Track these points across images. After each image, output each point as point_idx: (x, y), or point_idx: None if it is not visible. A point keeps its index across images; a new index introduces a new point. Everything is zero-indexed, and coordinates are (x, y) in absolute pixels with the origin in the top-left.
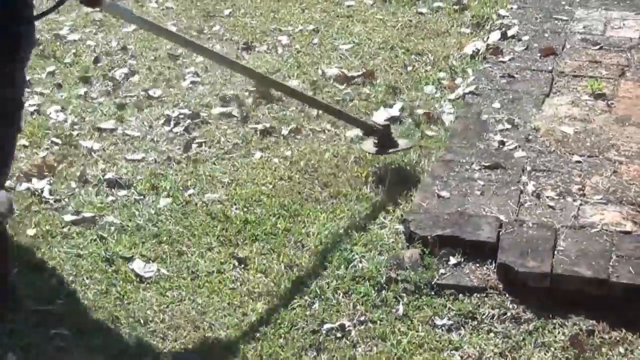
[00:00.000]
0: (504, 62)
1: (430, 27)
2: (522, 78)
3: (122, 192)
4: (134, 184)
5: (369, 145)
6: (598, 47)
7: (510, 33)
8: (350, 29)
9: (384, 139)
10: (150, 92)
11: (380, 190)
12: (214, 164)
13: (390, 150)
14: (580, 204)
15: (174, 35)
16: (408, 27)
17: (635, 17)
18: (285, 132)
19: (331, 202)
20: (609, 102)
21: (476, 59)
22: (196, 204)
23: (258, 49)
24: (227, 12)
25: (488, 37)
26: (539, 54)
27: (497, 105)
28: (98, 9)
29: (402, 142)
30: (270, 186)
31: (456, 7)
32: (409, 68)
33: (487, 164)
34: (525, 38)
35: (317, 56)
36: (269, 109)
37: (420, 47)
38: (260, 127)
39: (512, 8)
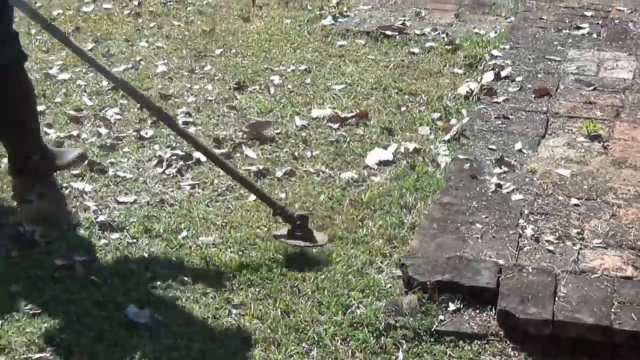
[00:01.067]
0: (498, 102)
1: (422, 67)
2: (517, 119)
3: (115, 235)
4: (127, 227)
5: (283, 230)
6: (592, 88)
7: (503, 74)
8: (343, 69)
9: (300, 228)
10: (142, 133)
11: (377, 234)
12: (208, 205)
13: (300, 244)
14: (580, 248)
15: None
16: (400, 67)
17: (628, 58)
18: (279, 174)
19: (327, 245)
20: (605, 144)
21: (470, 99)
22: (190, 248)
23: (250, 88)
24: (218, 51)
25: (481, 78)
26: (533, 95)
27: (492, 146)
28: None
29: (319, 237)
30: (265, 229)
31: (448, 47)
32: (403, 109)
33: (485, 208)
34: (519, 79)
35: (309, 96)
36: (262, 150)
37: (414, 87)
38: (253, 168)
39: (504, 48)
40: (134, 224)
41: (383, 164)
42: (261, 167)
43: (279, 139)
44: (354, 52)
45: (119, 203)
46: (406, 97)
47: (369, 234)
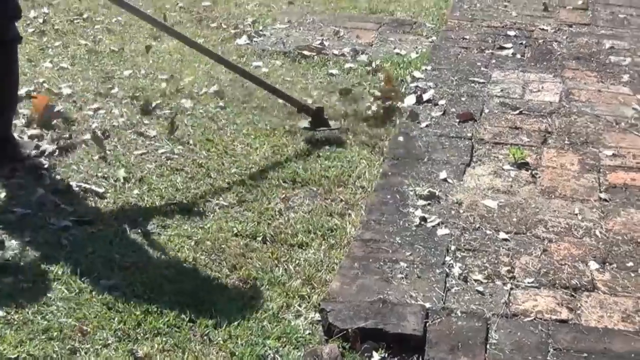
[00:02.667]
0: (421, 128)
1: (341, 90)
2: (440, 146)
3: (8, 279)
4: (21, 270)
5: (304, 123)
6: (517, 112)
7: (426, 97)
8: (258, 92)
9: (317, 118)
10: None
11: (294, 273)
12: (111, 244)
13: (321, 128)
14: (511, 288)
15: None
16: (319, 89)
17: (554, 80)
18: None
19: (241, 287)
20: (533, 172)
21: (393, 124)
22: (91, 292)
23: (159, 112)
24: (127, 73)
25: (403, 101)
26: (457, 120)
27: (415, 175)
28: None
29: (332, 123)
30: (174, 270)
31: (368, 69)
32: (323, 135)
33: (409, 244)
34: (442, 102)
35: (222, 121)
36: (172, 182)
37: (332, 111)
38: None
39: (426, 70)
40: (29, 266)
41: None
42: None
43: (190, 167)
44: (270, 74)
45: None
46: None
47: (286, 274)
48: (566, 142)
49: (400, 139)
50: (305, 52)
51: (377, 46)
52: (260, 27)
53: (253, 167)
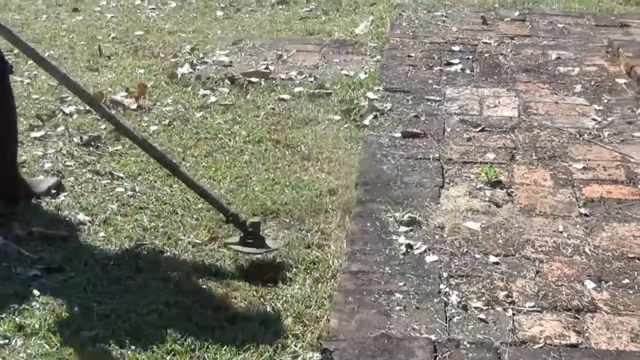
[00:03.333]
0: (386, 150)
1: (296, 115)
2: (410, 168)
3: None
4: None
5: (234, 238)
6: (479, 129)
7: (384, 119)
8: (210, 122)
9: (251, 236)
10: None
11: (283, 311)
12: (85, 291)
13: (252, 251)
14: (514, 314)
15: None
16: (272, 115)
17: (509, 94)
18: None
19: (230, 329)
20: (508, 191)
21: (357, 150)
22: (72, 345)
23: (111, 149)
24: (70, 108)
25: (362, 123)
26: (410, 139)
27: (391, 201)
28: None
29: (270, 242)
30: (156, 315)
31: (319, 91)
32: (283, 163)
33: (399, 273)
34: (401, 123)
35: (175, 156)
36: (138, 222)
37: (291, 138)
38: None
39: (379, 90)
40: (3, 320)
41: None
42: (144, 241)
43: (154, 205)
44: (219, 102)
45: None
46: (287, 152)
47: (274, 312)
48: (534, 157)
49: (368, 163)
50: (252, 79)
51: (323, 68)
52: (201, 55)
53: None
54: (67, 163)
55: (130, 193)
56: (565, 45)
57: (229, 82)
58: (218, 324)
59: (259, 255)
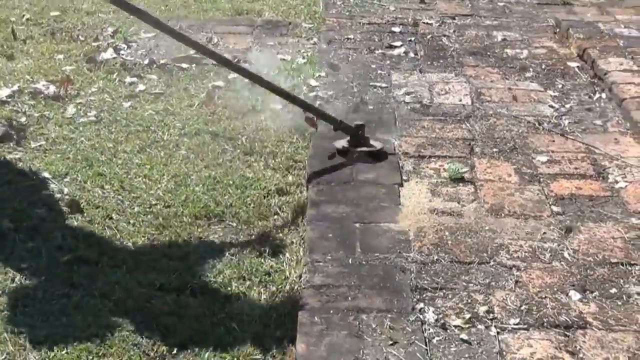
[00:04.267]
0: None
1: (233, 105)
2: (363, 165)
3: None
4: None
5: (341, 142)
6: (432, 117)
7: (329, 108)
8: (140, 113)
9: (356, 137)
10: None
11: (239, 332)
12: (15, 314)
13: (360, 149)
14: (498, 332)
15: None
16: (207, 105)
17: (458, 80)
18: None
19: (182, 355)
20: (472, 188)
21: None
22: None
23: (34, 144)
24: None
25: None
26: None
27: (348, 202)
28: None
29: (373, 142)
30: (98, 341)
31: None
32: (225, 158)
33: (368, 287)
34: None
35: (111, 150)
36: (69, 229)
37: (230, 129)
38: None
39: (320, 76)
40: None
41: None
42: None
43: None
44: (148, 91)
45: None
46: (227, 145)
47: (229, 335)
48: (494, 149)
49: (318, 158)
50: (183, 64)
51: (256, 52)
52: (124, 38)
53: (157, 203)
54: None
55: (58, 196)
56: (509, 26)
57: (158, 69)
58: (168, 349)
59: (373, 149)
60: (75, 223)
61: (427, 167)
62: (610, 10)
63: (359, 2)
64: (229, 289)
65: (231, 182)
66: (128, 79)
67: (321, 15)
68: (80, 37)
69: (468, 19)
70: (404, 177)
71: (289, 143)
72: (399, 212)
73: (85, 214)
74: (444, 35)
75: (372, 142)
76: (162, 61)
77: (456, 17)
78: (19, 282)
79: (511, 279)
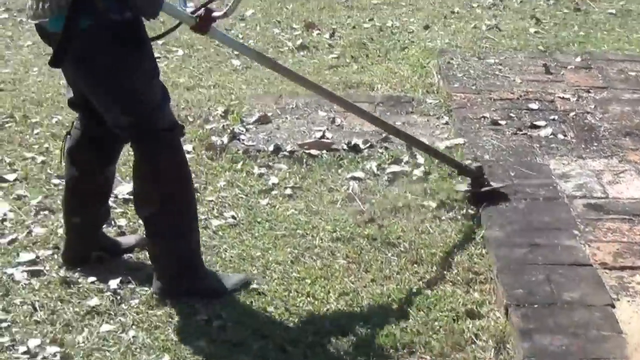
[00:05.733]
0: (521, 254)
1: (381, 201)
2: (563, 278)
3: None
4: None
5: (463, 186)
6: (614, 216)
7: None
8: (282, 213)
9: (478, 179)
10: None
11: None
12: None
13: (488, 188)
14: None
15: (279, 66)
16: (351, 200)
17: (624, 167)
18: None
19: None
20: None
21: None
22: None
23: None
24: None
25: (467, 213)
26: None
27: (563, 331)
28: (206, 35)
29: (494, 183)
30: None
31: (400, 168)
32: (391, 269)
33: None
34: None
35: (260, 264)
36: None
37: (396, 234)
38: None
39: (471, 163)
40: None
41: None
42: None
43: None
44: (282, 184)
45: None
46: (389, 253)
47: None
48: None
49: (506, 272)
50: (312, 151)
51: (389, 135)
52: (240, 120)
53: (332, 329)
54: None
55: None
56: None
57: (286, 157)
58: None
59: (498, 187)
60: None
61: (633, 280)
62: None
63: (480, 73)
64: None
65: (408, 300)
66: (256, 170)
67: (443, 89)
68: (188, 117)
69: (604, 92)
70: (612, 295)
71: (460, 249)
72: (625, 345)
73: (252, 346)
74: (587, 112)
75: (492, 182)
76: (288, 147)
77: (591, 90)
78: None
79: None
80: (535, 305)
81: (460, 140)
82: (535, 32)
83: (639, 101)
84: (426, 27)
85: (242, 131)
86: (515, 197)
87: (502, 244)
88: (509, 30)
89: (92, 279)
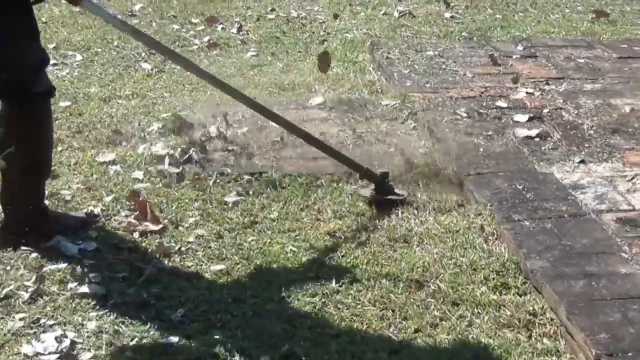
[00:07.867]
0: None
1: (382, 225)
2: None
3: None
4: None
5: (367, 191)
6: None
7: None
8: (273, 250)
9: (382, 185)
10: None
11: None
12: None
13: (390, 197)
14: None
15: (152, 40)
16: (347, 229)
17: (632, 171)
18: None
19: None
20: None
21: None
22: None
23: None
24: None
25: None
26: None
27: None
28: (78, 7)
29: (398, 191)
30: None
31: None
32: (435, 314)
33: None
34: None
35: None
36: None
37: (402, 266)
38: None
39: (471, 177)
40: None
41: None
42: None
43: None
44: (265, 215)
45: None
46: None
47: None
48: None
49: (581, 313)
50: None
51: (357, 145)
52: (185, 137)
53: None
54: None
55: None
56: (620, 90)
57: (256, 179)
58: None
59: (399, 198)
60: None
61: None
62: None
63: (427, 68)
64: None
65: (476, 355)
66: (227, 198)
67: (394, 88)
68: (118, 137)
69: (563, 84)
70: None
71: (497, 281)
72: None
73: None
74: (560, 108)
75: (396, 190)
76: (255, 169)
77: (549, 82)
78: None
79: None
80: (630, 354)
81: (441, 149)
82: (451, 16)
83: (604, 92)
84: (336, 17)
85: (193, 150)
86: (536, 215)
87: (553, 277)
88: (423, 15)
89: None
